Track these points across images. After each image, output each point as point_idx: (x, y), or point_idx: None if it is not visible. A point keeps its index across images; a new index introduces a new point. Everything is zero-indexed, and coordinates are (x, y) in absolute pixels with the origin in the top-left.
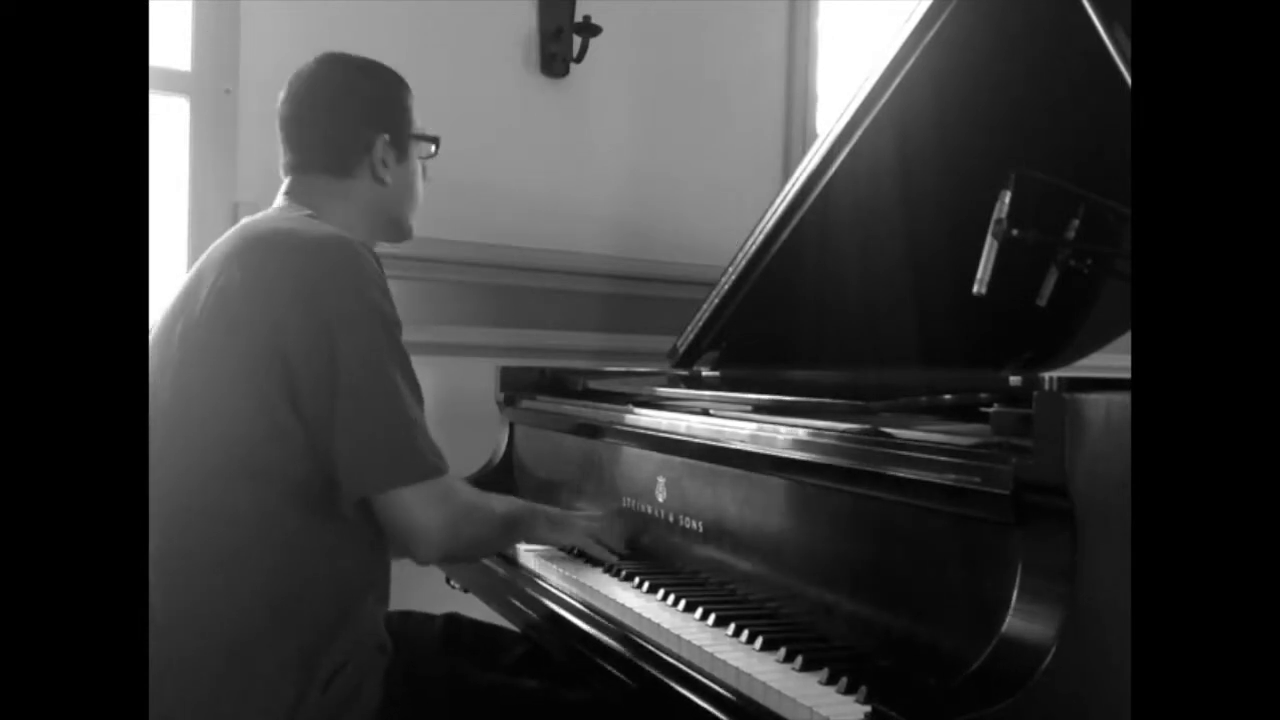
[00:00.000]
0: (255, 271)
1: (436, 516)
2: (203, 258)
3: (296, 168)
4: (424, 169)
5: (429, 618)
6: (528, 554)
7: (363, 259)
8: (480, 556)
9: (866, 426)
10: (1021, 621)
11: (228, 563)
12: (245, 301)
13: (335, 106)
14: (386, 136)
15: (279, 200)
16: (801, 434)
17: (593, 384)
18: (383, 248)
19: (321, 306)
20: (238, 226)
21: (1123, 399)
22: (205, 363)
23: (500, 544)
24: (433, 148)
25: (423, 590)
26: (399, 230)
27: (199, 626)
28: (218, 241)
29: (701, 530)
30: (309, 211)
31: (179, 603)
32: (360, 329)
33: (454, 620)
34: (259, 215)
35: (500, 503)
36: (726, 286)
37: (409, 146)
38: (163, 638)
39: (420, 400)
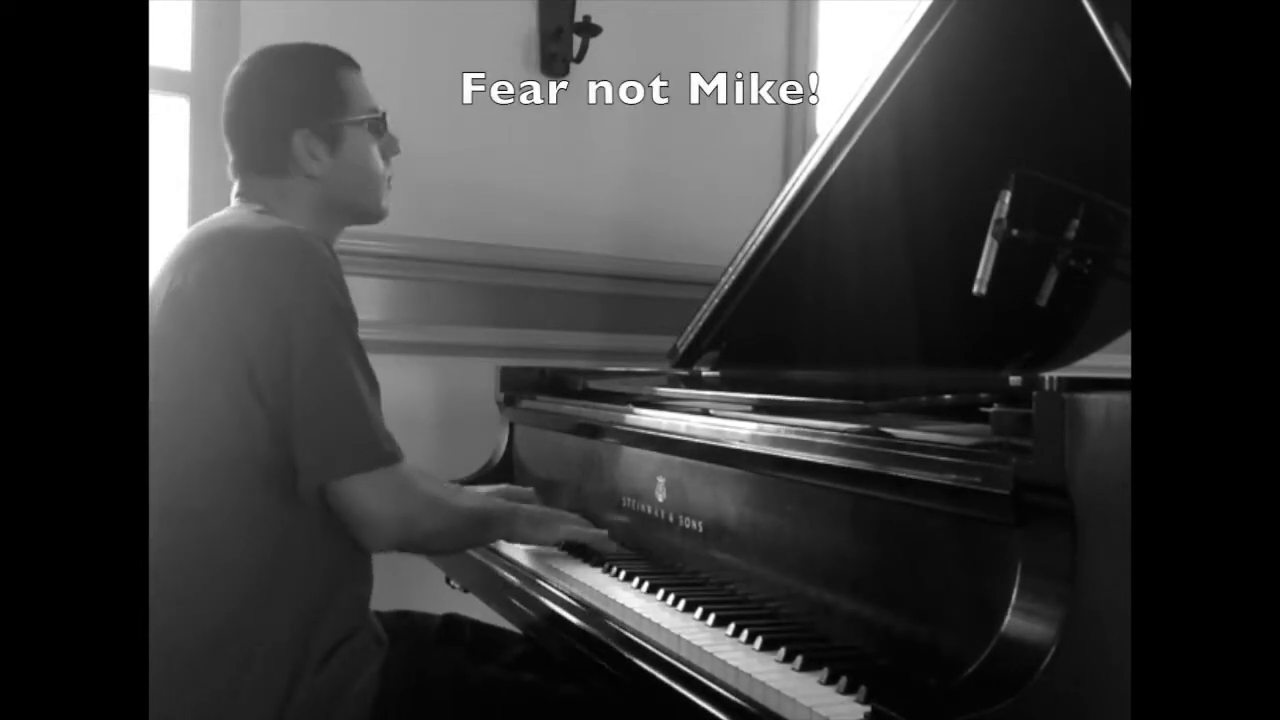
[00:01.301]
0: (208, 270)
1: (388, 504)
2: (159, 267)
3: (237, 168)
4: (384, 148)
5: (427, 617)
6: (526, 554)
7: (313, 250)
8: (444, 550)
9: (866, 426)
10: (1021, 621)
11: (214, 555)
12: (201, 300)
13: (255, 104)
14: (305, 130)
15: (232, 202)
16: (801, 434)
17: (593, 384)
18: (383, 248)
19: (274, 298)
20: (190, 230)
21: (1123, 399)
22: (171, 364)
23: (470, 540)
24: (381, 128)
25: (423, 590)
26: (362, 215)
27: (190, 619)
28: (171, 247)
29: (701, 530)
30: (259, 208)
31: (168, 598)
32: (312, 319)
33: (453, 620)
34: (211, 217)
35: (471, 499)
36: (726, 286)
37: (341, 132)
38: (156, 632)
39: (375, 390)
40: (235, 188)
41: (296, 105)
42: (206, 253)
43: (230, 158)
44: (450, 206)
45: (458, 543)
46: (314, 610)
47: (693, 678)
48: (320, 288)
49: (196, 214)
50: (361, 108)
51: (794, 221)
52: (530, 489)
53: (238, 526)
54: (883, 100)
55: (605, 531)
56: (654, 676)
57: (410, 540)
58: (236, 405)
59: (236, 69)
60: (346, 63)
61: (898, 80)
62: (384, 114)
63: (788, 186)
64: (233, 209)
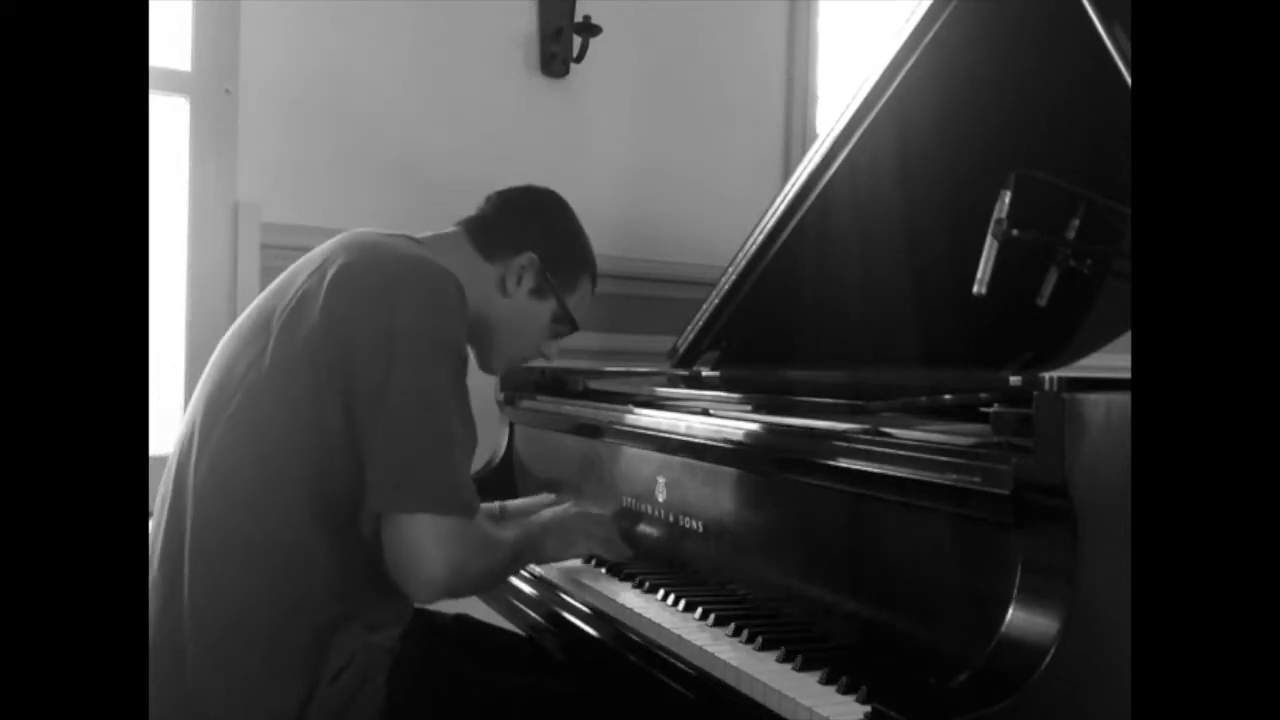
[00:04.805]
0: (340, 278)
1: (444, 555)
2: (304, 257)
3: (466, 224)
4: (550, 345)
5: (436, 615)
6: None
7: (446, 284)
8: (485, 590)
9: (866, 426)
10: (1021, 621)
11: (251, 557)
12: (325, 306)
13: (522, 209)
14: (537, 260)
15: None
16: (802, 434)
17: (593, 384)
18: None
19: (391, 317)
20: (344, 234)
21: (1123, 399)
22: (278, 366)
23: (510, 573)
24: (564, 333)
25: None
26: (482, 355)
27: (221, 603)
28: (322, 244)
29: (701, 530)
30: (420, 238)
31: (211, 592)
32: (423, 349)
33: (462, 621)
34: (367, 229)
35: (509, 531)
36: (726, 286)
37: (548, 295)
38: (194, 620)
39: (471, 441)
40: (440, 232)
41: (554, 244)
42: (343, 261)
43: (472, 213)
44: (450, 206)
45: (500, 580)
46: (333, 624)
47: (692, 677)
48: (440, 324)
49: (196, 214)
50: (575, 308)
51: (794, 221)
52: (550, 495)
53: (275, 528)
54: (883, 100)
55: (628, 554)
56: (654, 676)
57: (458, 591)
58: (319, 416)
59: (549, 190)
60: (593, 274)
61: (898, 80)
62: (576, 330)
63: (788, 186)
64: (392, 232)
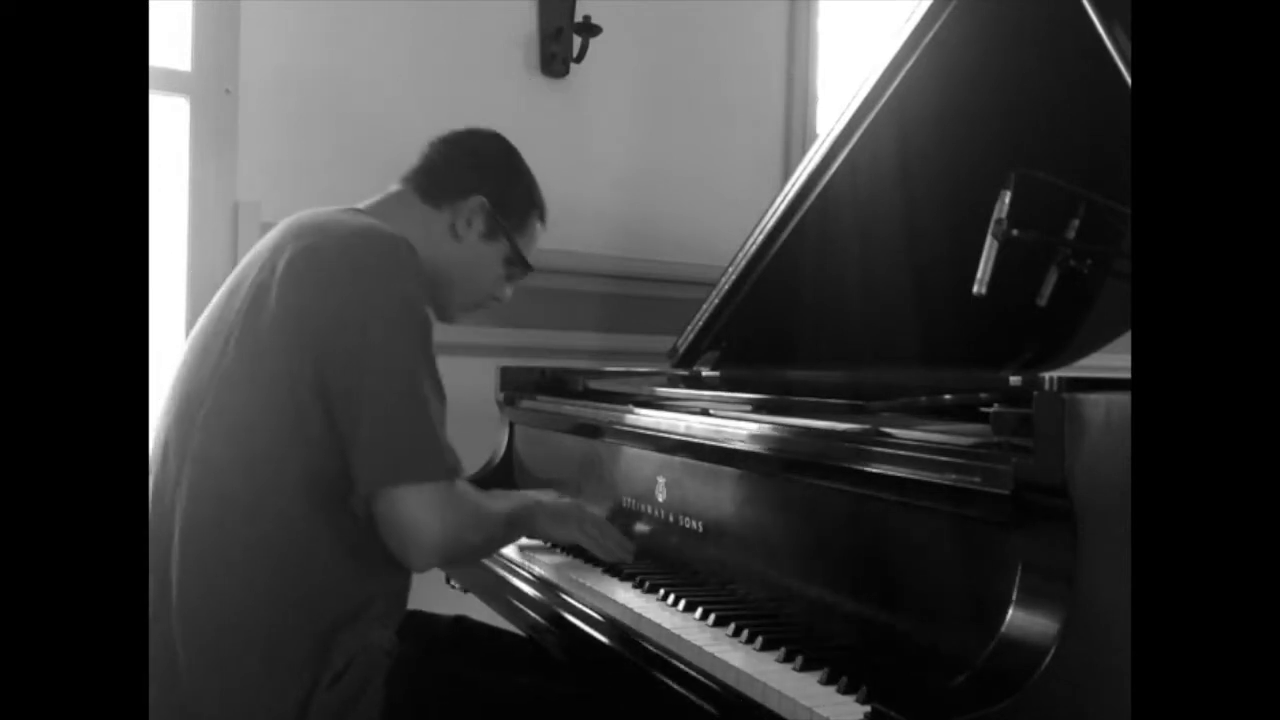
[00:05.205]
0: (294, 263)
1: (439, 519)
2: (250, 252)
3: (402, 179)
4: (504, 289)
5: (435, 618)
6: (525, 554)
7: (401, 252)
8: (479, 559)
9: (866, 426)
10: (1021, 621)
11: (247, 557)
12: (283, 293)
13: (466, 152)
14: (486, 203)
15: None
16: (801, 434)
17: (593, 384)
18: None
19: (352, 296)
20: (286, 220)
21: (1123, 399)
22: (245, 358)
23: (503, 544)
24: (517, 274)
25: (427, 590)
26: (440, 305)
27: (220, 616)
28: (266, 235)
29: (701, 530)
30: (362, 206)
31: (205, 594)
32: (390, 322)
33: (462, 622)
34: (310, 210)
35: (502, 502)
36: (726, 286)
37: (499, 236)
38: (184, 624)
39: (442, 401)
40: (384, 194)
41: (501, 184)
42: (294, 245)
43: (411, 166)
44: None
45: (493, 550)
46: (335, 627)
47: (692, 677)
48: (400, 291)
49: (196, 214)
50: (525, 246)
51: (794, 221)
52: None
53: (270, 525)
54: (883, 100)
55: (622, 556)
56: (654, 676)
57: (456, 557)
58: (297, 405)
59: (493, 132)
60: (540, 211)
61: (898, 80)
62: (530, 271)
63: (788, 186)
64: (335, 208)
